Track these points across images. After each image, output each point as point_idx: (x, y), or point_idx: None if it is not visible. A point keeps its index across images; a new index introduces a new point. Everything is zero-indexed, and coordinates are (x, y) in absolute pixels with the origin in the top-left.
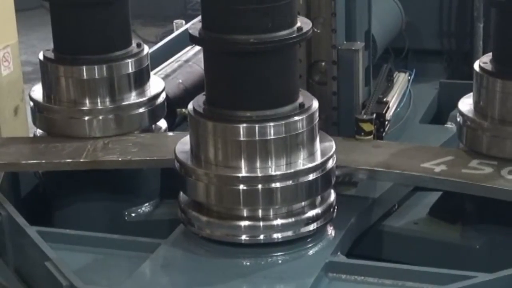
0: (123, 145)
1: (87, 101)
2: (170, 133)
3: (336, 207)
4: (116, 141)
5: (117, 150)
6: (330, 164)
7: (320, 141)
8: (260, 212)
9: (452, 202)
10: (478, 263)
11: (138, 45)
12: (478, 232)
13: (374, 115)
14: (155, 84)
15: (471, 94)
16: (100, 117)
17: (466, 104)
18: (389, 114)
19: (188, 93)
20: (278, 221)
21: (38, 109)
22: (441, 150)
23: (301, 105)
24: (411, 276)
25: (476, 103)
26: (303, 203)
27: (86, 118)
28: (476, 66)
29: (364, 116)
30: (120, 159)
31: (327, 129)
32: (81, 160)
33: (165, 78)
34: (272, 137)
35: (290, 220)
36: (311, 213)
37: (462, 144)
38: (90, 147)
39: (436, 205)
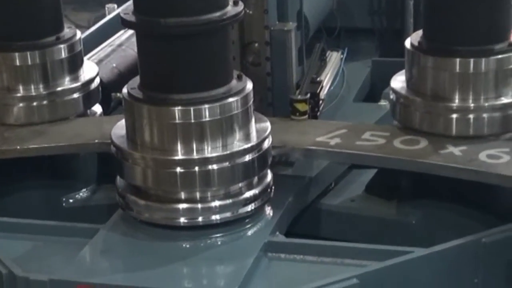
0: (19, 133)
1: (20, 88)
2: (70, 120)
3: (273, 187)
4: (12, 130)
5: (13, 139)
6: (266, 144)
7: (256, 122)
8: (198, 194)
9: (388, 179)
10: (415, 238)
11: (63, 36)
12: (413, 207)
13: (308, 95)
14: (89, 69)
15: (403, 71)
16: (34, 104)
17: (398, 81)
18: (323, 94)
19: (122, 77)
20: (216, 203)
21: None
22: (337, 124)
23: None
24: (350, 253)
25: (408, 80)
26: (240, 184)
27: (20, 104)
28: (407, 43)
29: (299, 97)
30: (18, 147)
31: (262, 110)
32: None
33: (98, 63)
34: (208, 119)
35: (228, 201)
36: (249, 194)
37: (396, 121)
38: None
39: (372, 182)
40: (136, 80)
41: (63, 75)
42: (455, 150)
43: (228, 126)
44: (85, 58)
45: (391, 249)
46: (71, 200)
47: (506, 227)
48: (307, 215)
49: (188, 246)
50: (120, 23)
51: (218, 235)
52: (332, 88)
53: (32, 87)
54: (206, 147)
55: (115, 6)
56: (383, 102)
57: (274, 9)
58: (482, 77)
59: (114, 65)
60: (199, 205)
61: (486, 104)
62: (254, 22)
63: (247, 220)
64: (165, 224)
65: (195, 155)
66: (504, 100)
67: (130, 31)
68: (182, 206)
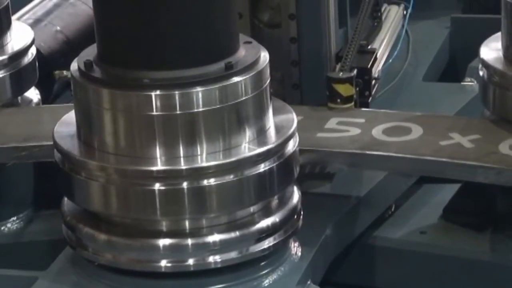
0: None
1: None
2: None
3: (302, 213)
4: None
5: None
6: (291, 147)
7: (275, 113)
8: (187, 224)
9: (477, 200)
10: None
11: None
12: None
13: (355, 72)
14: (20, 35)
15: (499, 34)
16: None
17: (492, 50)
18: (377, 69)
19: (70, 47)
20: (215, 237)
21: None
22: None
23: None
24: None
25: (507, 48)
26: (252, 209)
27: None
28: None
29: (340, 74)
30: None
31: (285, 93)
32: None
33: (35, 24)
34: (201, 109)
35: (233, 234)
36: (265, 223)
37: (488, 111)
38: None
39: (452, 204)
40: (91, 51)
41: None
42: (464, 141)
43: (232, 120)
44: (13, 18)
45: None
46: None
47: None
48: (355, 255)
49: None
50: None
51: (218, 286)
52: (390, 60)
53: None
54: (199, 152)
55: None
56: (468, 82)
57: None
58: None
59: (58, 28)
60: (190, 241)
61: None
62: None
63: (263, 263)
64: (138, 270)
65: (182, 164)
66: None
67: None
68: (164, 242)
